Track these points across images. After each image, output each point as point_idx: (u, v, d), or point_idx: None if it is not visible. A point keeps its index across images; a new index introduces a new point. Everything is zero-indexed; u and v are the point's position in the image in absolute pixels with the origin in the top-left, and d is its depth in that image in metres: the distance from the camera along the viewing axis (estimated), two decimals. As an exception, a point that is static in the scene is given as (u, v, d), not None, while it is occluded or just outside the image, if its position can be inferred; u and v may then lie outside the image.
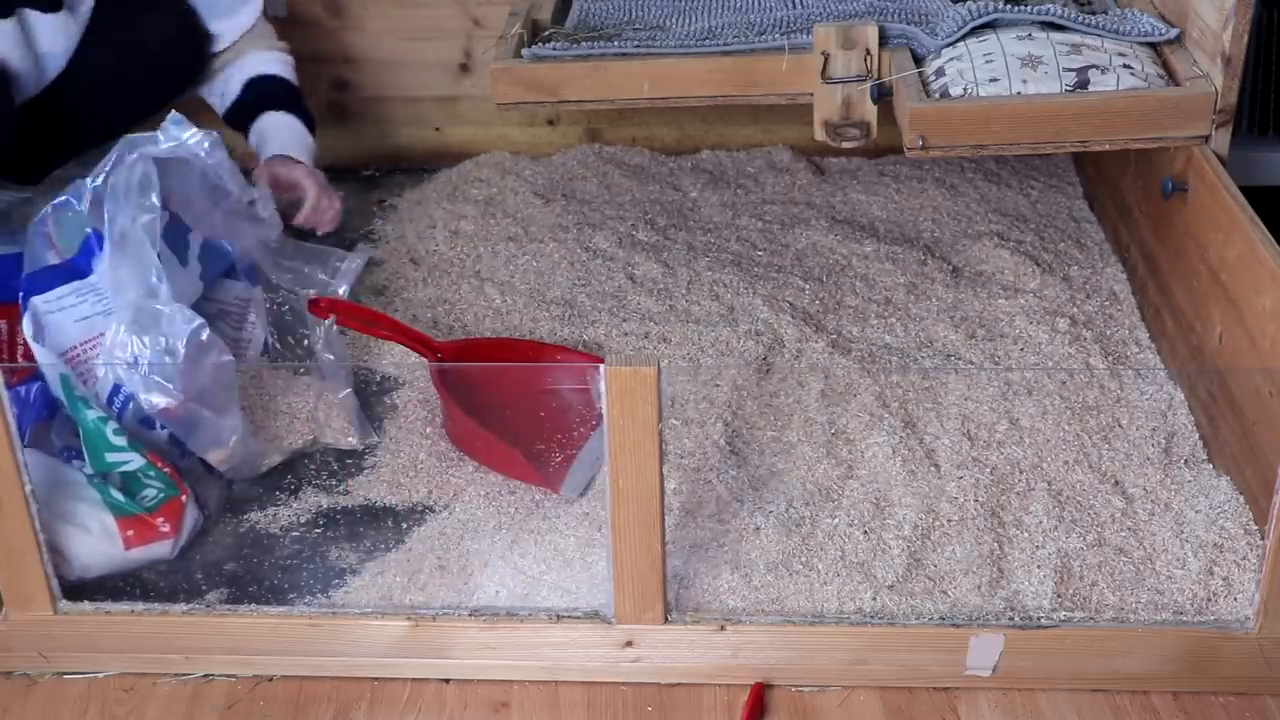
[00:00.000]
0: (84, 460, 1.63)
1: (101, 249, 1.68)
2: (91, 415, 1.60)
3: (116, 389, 1.64)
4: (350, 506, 1.74)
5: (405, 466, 1.80)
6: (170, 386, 1.62)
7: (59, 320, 1.67)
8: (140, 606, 1.54)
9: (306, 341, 1.91)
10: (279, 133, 2.13)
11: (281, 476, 1.79)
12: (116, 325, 1.64)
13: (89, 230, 1.69)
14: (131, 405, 1.63)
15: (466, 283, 2.18)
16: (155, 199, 1.66)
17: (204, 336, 1.64)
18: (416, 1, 2.49)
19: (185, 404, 1.63)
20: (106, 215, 1.66)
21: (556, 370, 1.90)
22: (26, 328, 1.66)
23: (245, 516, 1.72)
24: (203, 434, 1.67)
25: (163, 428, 1.66)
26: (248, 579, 1.63)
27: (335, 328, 1.85)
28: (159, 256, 1.67)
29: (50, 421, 1.67)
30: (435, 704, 1.50)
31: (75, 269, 1.70)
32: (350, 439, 1.82)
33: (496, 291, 2.15)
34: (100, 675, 1.54)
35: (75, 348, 1.66)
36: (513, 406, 1.84)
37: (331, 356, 1.84)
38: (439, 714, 1.49)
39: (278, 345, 1.92)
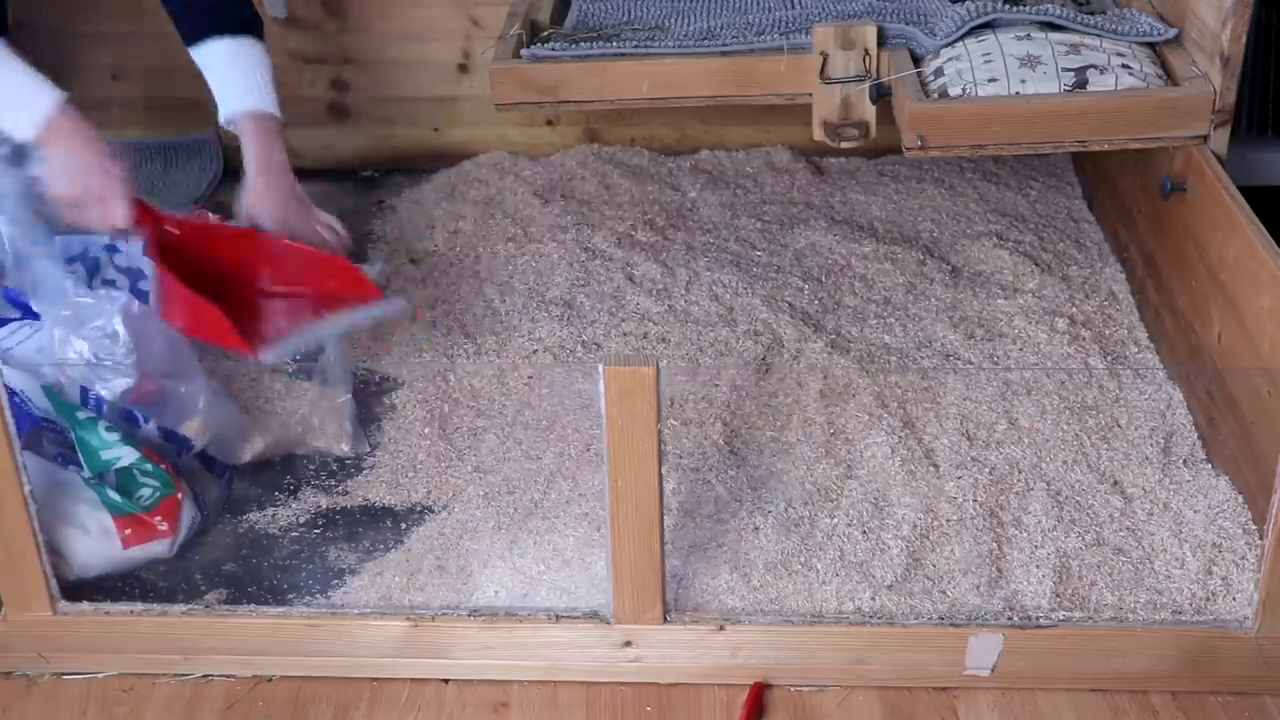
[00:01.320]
0: (79, 466, 1.63)
1: (21, 294, 1.71)
2: (83, 415, 1.61)
3: (85, 393, 1.65)
4: (349, 507, 1.74)
5: (404, 467, 1.80)
6: (125, 365, 1.62)
7: (21, 352, 1.68)
8: (139, 607, 1.54)
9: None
10: (236, 78, 1.92)
11: (281, 476, 1.79)
12: (51, 333, 1.65)
13: None
14: (106, 406, 1.64)
15: (466, 283, 2.18)
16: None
17: (135, 309, 1.66)
18: (416, 1, 2.49)
19: (143, 379, 1.64)
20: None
21: (297, 264, 1.86)
22: None
23: (245, 517, 1.72)
24: (171, 405, 1.68)
25: (145, 420, 1.67)
26: (247, 579, 1.63)
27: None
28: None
29: (36, 433, 1.67)
30: (435, 704, 1.50)
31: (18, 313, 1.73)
32: (343, 446, 1.82)
33: (495, 291, 2.15)
34: (99, 676, 1.54)
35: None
36: (240, 289, 1.83)
37: (335, 361, 1.84)
38: (439, 714, 1.49)
39: None
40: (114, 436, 1.61)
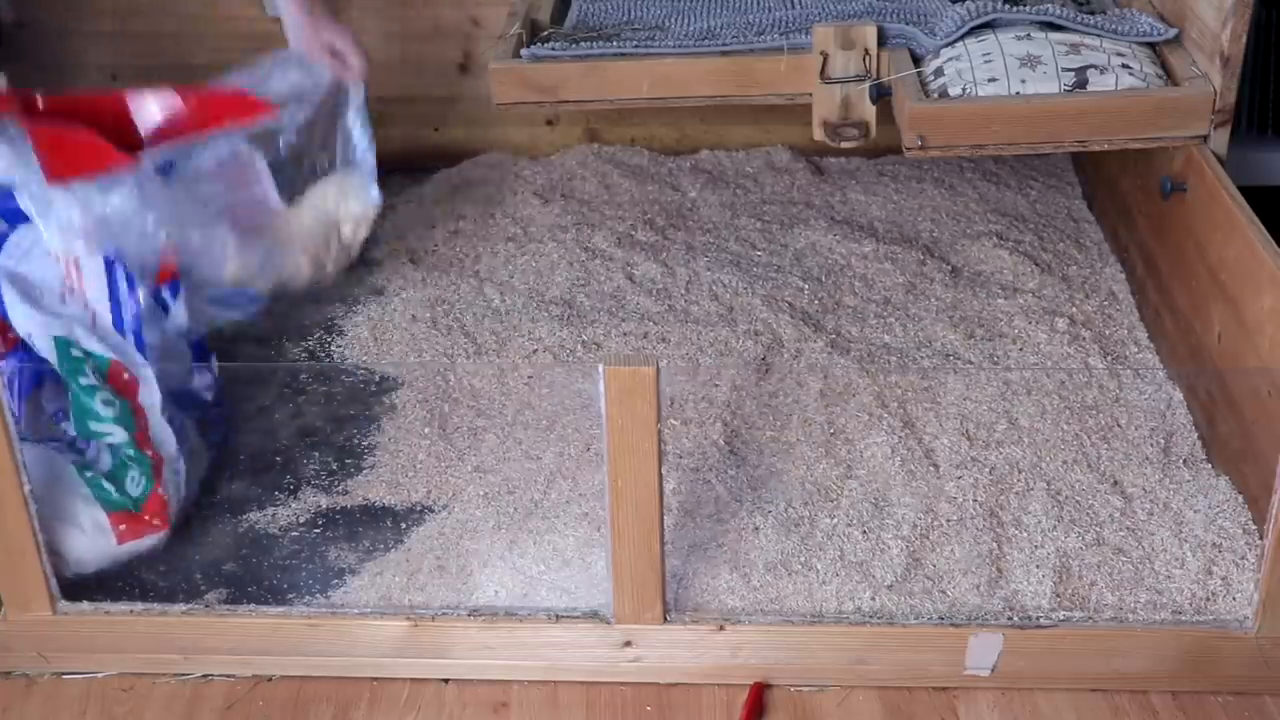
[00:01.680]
0: (69, 421, 1.63)
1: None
2: (84, 381, 1.62)
3: (110, 269, 1.65)
4: (349, 506, 1.74)
5: (404, 466, 1.80)
6: (151, 237, 1.64)
7: (31, 269, 1.67)
8: (139, 607, 1.54)
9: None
10: None
11: (281, 476, 1.79)
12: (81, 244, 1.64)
13: None
14: (138, 284, 1.65)
15: (465, 283, 2.18)
16: None
17: (148, 181, 1.66)
18: (416, 1, 2.49)
19: (169, 240, 1.65)
20: None
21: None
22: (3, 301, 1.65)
23: (245, 516, 1.72)
24: (202, 263, 1.68)
25: (174, 297, 1.67)
26: (247, 579, 1.63)
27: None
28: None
29: (39, 389, 1.68)
30: (435, 704, 1.50)
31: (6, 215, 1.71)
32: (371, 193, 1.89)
33: (495, 291, 2.15)
34: (99, 675, 1.55)
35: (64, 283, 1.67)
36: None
37: (358, 129, 1.92)
38: (439, 714, 1.49)
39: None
40: (109, 413, 1.62)
